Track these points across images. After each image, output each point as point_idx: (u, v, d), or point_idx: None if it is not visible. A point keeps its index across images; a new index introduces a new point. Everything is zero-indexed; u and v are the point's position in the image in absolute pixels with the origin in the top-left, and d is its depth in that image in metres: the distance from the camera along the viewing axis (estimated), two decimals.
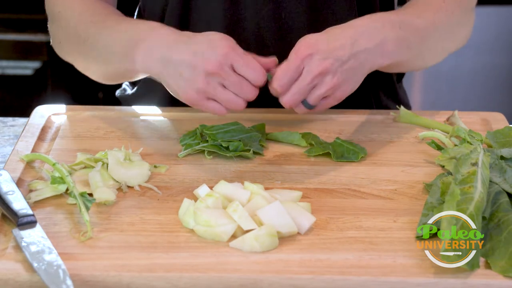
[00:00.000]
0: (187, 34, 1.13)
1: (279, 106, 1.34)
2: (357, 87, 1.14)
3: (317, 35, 1.12)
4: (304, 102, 1.12)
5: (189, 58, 1.08)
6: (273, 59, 1.14)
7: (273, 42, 1.32)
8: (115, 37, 1.18)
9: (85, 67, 1.28)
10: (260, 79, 1.10)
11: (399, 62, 1.19)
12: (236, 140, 1.17)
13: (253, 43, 1.31)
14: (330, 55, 1.10)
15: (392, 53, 1.15)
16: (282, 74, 1.10)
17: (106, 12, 1.25)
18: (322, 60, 1.09)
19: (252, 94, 1.10)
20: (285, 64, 1.11)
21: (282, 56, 1.32)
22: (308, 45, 1.10)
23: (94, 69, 1.27)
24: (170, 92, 1.14)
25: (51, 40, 1.33)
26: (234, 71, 1.08)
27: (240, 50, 1.09)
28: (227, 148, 1.16)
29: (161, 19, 1.34)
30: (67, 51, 1.30)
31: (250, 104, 1.34)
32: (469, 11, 1.32)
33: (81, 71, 1.30)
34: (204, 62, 1.07)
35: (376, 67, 1.16)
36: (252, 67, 1.09)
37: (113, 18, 1.22)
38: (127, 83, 1.48)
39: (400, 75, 1.49)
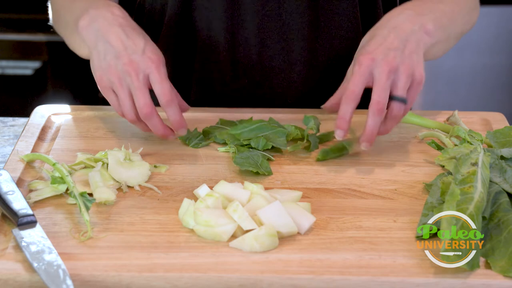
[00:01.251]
0: (135, 27, 1.16)
1: (283, 106, 1.35)
2: (423, 66, 1.15)
3: (365, 45, 1.15)
4: (394, 98, 1.12)
5: (119, 47, 1.12)
6: (188, 107, 1.19)
7: (274, 42, 1.32)
8: (75, 8, 1.22)
9: (65, 40, 1.31)
10: (164, 94, 1.11)
11: (436, 44, 1.20)
12: (260, 137, 1.17)
13: (253, 43, 1.31)
14: (389, 50, 1.12)
15: (433, 32, 1.17)
16: (355, 83, 1.11)
17: None
18: (385, 58, 1.11)
19: (145, 109, 1.10)
20: (353, 76, 1.12)
21: (284, 56, 1.33)
22: (365, 53, 1.12)
23: (67, 41, 1.30)
24: (91, 66, 1.16)
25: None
26: (147, 83, 1.11)
27: (163, 69, 1.12)
28: (247, 145, 1.16)
29: (161, 19, 1.34)
30: (55, 27, 1.33)
31: (255, 104, 1.35)
32: None
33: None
34: (127, 58, 1.11)
35: (426, 47, 1.17)
36: (162, 84, 1.11)
37: None
38: None
39: None
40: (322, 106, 1.21)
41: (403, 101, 1.12)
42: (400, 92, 1.11)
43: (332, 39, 1.33)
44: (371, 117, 1.11)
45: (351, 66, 1.17)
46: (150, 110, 1.11)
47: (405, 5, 1.22)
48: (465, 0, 1.30)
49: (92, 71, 1.16)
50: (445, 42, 1.25)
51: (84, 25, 1.16)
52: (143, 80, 1.11)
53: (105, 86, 1.14)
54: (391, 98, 1.11)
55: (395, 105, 1.12)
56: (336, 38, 1.33)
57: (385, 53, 1.12)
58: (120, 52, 1.12)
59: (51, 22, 1.35)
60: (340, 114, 1.12)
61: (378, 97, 1.10)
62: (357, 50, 1.17)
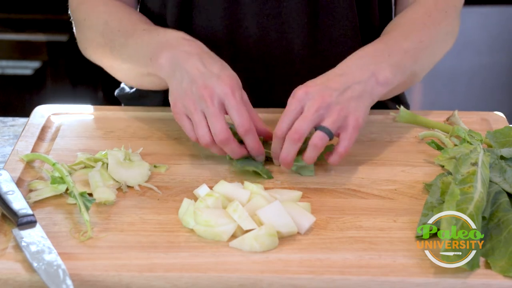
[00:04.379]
0: (211, 55, 1.15)
1: (284, 105, 1.35)
2: (366, 117, 1.13)
3: (310, 81, 1.13)
4: (319, 128, 1.09)
5: (194, 73, 1.11)
6: (270, 132, 1.15)
7: (274, 40, 1.32)
8: (142, 45, 1.20)
9: (112, 70, 1.31)
10: (243, 125, 1.09)
11: (396, 87, 1.18)
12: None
13: (254, 42, 1.32)
14: (326, 88, 1.10)
15: (388, 80, 1.14)
16: (285, 116, 1.10)
17: (132, 20, 1.27)
18: (320, 93, 1.09)
19: (221, 136, 1.08)
20: (286, 109, 1.10)
21: (284, 54, 1.33)
22: (303, 87, 1.11)
23: (120, 73, 1.30)
24: (169, 95, 1.15)
25: (78, 44, 1.34)
26: (223, 108, 1.09)
27: (239, 94, 1.10)
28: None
29: (162, 18, 1.34)
30: (94, 57, 1.32)
31: (255, 103, 1.35)
32: (456, 16, 1.31)
33: (106, 70, 1.32)
34: (202, 83, 1.10)
35: (377, 97, 1.15)
36: (239, 111, 1.09)
37: (139, 27, 1.24)
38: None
39: None
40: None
41: (328, 133, 1.09)
42: (327, 124, 1.09)
43: (331, 37, 1.33)
44: (286, 144, 1.09)
45: None
46: (227, 136, 1.09)
47: (366, 49, 1.19)
48: (439, 27, 1.26)
49: (169, 99, 1.14)
50: (408, 81, 1.22)
51: (163, 63, 1.14)
52: (218, 106, 1.09)
53: (179, 112, 1.12)
54: (316, 128, 1.09)
55: (318, 133, 1.09)
56: (335, 36, 1.33)
57: (322, 90, 1.10)
58: (195, 78, 1.10)
59: (82, 50, 1.33)
60: (282, 155, 1.10)
61: (298, 126, 1.08)
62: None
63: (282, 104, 1.34)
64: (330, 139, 1.09)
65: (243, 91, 1.13)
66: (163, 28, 1.23)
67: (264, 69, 1.34)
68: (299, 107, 1.10)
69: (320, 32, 1.32)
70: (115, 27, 1.26)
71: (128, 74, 1.28)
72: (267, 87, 1.35)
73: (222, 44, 1.32)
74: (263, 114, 1.29)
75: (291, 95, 1.11)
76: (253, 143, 1.11)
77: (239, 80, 1.12)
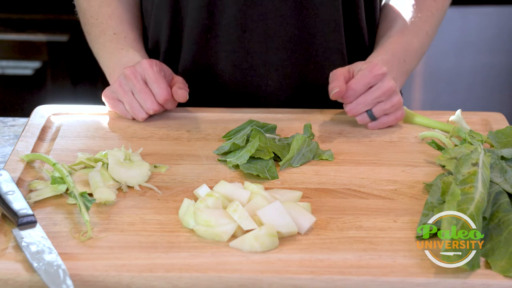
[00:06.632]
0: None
1: (278, 106, 1.35)
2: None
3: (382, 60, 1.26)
4: (368, 112, 1.23)
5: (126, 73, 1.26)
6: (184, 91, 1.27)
7: (255, 26, 1.31)
8: (105, 51, 1.35)
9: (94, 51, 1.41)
10: (162, 95, 1.23)
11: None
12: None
13: (234, 29, 1.30)
14: (397, 77, 1.25)
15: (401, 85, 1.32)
16: (356, 83, 1.21)
17: (113, 18, 1.36)
18: (392, 80, 1.21)
19: (151, 107, 1.24)
20: (360, 75, 1.20)
21: (266, 44, 1.32)
22: (383, 63, 1.23)
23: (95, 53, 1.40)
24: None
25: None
26: (146, 84, 1.24)
27: (156, 68, 1.24)
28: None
29: (151, 9, 1.37)
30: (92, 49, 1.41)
31: (251, 104, 1.35)
32: None
33: None
34: (125, 68, 1.24)
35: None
36: (158, 84, 1.22)
37: (111, 31, 1.35)
38: None
39: None
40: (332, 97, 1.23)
41: (373, 118, 1.24)
42: (377, 112, 1.23)
43: (316, 22, 1.31)
44: (355, 103, 1.22)
45: (362, 62, 1.24)
46: (167, 94, 1.23)
47: (388, 52, 1.29)
48: (442, 8, 1.36)
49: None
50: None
51: (117, 88, 1.26)
52: (142, 81, 1.23)
53: (110, 98, 1.26)
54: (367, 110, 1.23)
55: (363, 116, 1.24)
56: (319, 28, 1.31)
57: (395, 76, 1.23)
58: (124, 71, 1.24)
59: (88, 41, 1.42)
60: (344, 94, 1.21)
61: (356, 106, 1.23)
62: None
63: (276, 101, 1.34)
64: (373, 120, 1.24)
65: (162, 63, 1.26)
66: (127, 46, 1.33)
67: (245, 60, 1.32)
68: (372, 82, 1.21)
69: (305, 17, 1.31)
70: (100, 19, 1.37)
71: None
72: (267, 89, 1.35)
73: (203, 37, 1.32)
74: (263, 115, 1.29)
75: (371, 65, 1.22)
76: (171, 108, 1.27)
77: (157, 61, 1.25)
